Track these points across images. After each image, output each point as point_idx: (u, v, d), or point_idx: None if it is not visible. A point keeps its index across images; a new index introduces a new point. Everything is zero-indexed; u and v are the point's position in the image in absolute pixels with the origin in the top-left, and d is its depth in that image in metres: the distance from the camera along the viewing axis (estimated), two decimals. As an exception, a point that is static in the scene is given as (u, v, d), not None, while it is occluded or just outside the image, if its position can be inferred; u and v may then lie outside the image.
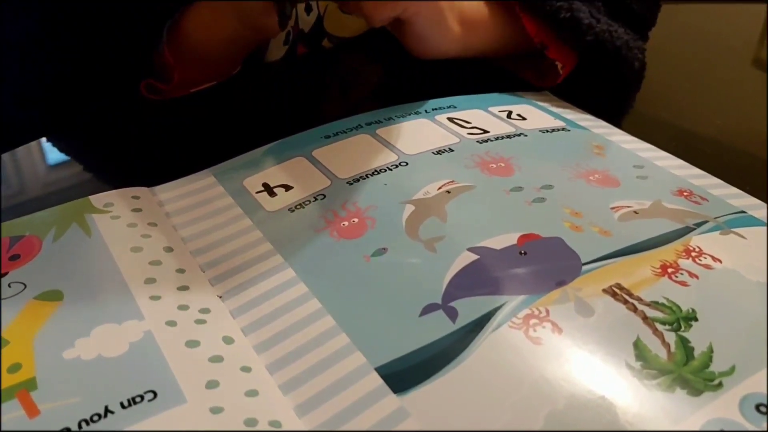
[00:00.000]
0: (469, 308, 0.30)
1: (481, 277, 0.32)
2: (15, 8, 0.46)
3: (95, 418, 0.26)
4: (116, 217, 0.37)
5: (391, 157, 0.41)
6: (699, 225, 0.36)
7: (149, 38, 0.48)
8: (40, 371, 0.28)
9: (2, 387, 0.28)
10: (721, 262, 0.33)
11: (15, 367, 0.28)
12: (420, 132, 0.44)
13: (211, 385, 0.28)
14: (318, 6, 0.52)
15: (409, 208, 0.37)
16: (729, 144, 0.51)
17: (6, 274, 0.33)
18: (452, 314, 0.30)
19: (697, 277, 0.32)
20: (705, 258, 0.33)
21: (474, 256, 0.33)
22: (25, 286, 0.33)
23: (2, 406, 0.27)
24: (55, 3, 0.45)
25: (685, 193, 0.39)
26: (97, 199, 0.38)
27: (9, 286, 0.33)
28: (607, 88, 0.51)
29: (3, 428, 0.26)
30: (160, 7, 0.47)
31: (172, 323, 0.31)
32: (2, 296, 0.32)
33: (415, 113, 0.46)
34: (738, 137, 0.52)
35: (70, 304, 0.32)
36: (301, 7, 0.52)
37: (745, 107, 0.57)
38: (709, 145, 0.50)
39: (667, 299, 0.31)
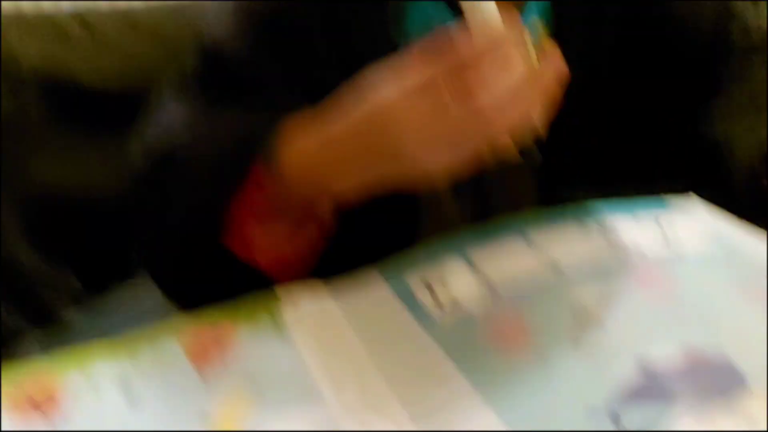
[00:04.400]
0: (633, 414, 0.32)
1: (645, 386, 0.34)
2: None
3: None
4: (299, 309, 0.42)
5: (546, 264, 0.44)
6: None
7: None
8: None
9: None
10: None
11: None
12: (574, 242, 0.46)
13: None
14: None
15: (568, 315, 0.39)
16: None
17: (210, 360, 0.38)
18: (616, 418, 0.32)
19: None
20: None
21: (636, 366, 0.35)
22: (228, 372, 0.37)
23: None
24: None
25: None
26: (283, 291, 0.43)
27: (214, 372, 0.37)
28: None
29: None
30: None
31: (357, 415, 0.34)
32: (208, 382, 0.37)
33: (569, 220, 0.48)
34: None
35: (267, 391, 0.36)
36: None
37: None
38: None
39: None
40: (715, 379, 0.34)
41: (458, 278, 0.44)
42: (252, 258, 0.47)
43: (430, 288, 0.43)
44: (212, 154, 0.47)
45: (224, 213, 0.45)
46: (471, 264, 0.45)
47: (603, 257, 0.44)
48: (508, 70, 0.38)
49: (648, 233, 0.47)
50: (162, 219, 0.49)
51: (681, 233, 0.47)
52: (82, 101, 0.71)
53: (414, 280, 0.44)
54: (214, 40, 0.54)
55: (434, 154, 0.40)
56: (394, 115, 0.39)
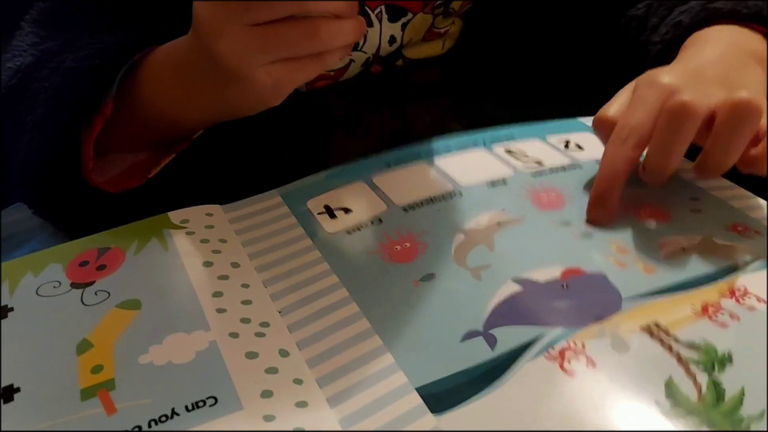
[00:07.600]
0: (508, 337, 0.32)
1: (523, 307, 0.34)
2: None
3: (163, 418, 0.29)
4: (191, 232, 0.41)
5: (446, 187, 0.43)
6: (749, 263, 0.36)
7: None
8: (119, 374, 0.32)
9: (86, 386, 0.31)
10: (765, 303, 0.34)
11: (97, 368, 0.32)
12: (477, 163, 0.46)
13: (266, 394, 0.31)
14: (402, 38, 0.55)
15: (460, 237, 0.39)
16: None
17: (93, 282, 0.37)
18: (491, 341, 0.32)
19: (738, 318, 0.33)
20: (749, 298, 0.34)
21: (517, 287, 0.35)
22: (109, 295, 0.36)
23: (84, 403, 0.30)
24: None
25: (739, 228, 0.39)
26: (175, 215, 0.42)
27: (95, 294, 0.37)
28: None
29: (83, 423, 0.30)
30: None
31: (234, 335, 0.34)
32: (88, 303, 0.36)
33: (474, 144, 0.48)
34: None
35: (147, 313, 0.35)
36: (385, 37, 0.54)
37: None
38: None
39: (705, 340, 0.31)
40: (592, 299, 0.34)
41: (356, 198, 0.43)
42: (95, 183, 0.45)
43: (327, 208, 0.43)
44: (60, 84, 0.44)
45: (74, 139, 0.43)
46: (372, 186, 0.44)
47: (504, 179, 0.44)
48: None
49: (555, 155, 0.46)
50: (15, 147, 0.46)
51: (587, 153, 0.47)
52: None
53: (313, 202, 0.43)
54: None
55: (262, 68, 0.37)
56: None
